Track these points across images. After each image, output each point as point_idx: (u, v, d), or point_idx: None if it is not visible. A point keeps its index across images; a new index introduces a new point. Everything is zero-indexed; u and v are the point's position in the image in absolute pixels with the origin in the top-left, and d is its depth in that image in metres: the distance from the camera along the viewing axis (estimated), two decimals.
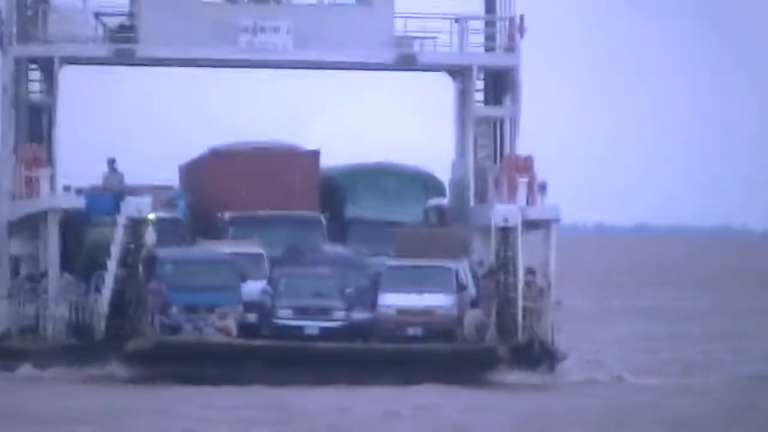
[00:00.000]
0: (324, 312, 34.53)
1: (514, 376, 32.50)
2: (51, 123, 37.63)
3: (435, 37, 36.93)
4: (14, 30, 37.00)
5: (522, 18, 36.20)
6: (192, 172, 40.45)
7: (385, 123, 50.40)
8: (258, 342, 34.08)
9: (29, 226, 37.12)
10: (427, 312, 34.10)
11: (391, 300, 33.96)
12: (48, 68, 37.32)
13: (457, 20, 36.83)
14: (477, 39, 37.08)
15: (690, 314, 68.35)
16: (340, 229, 37.80)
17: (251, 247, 36.31)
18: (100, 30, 37.34)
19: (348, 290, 35.00)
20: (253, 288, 34.50)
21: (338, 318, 34.27)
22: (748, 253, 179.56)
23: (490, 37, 37.15)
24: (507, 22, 36.83)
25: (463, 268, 34.86)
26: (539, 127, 43.61)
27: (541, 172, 35.14)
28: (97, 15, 37.30)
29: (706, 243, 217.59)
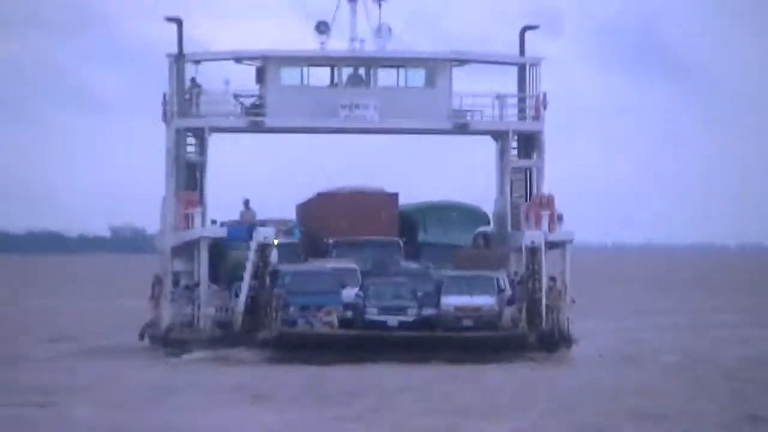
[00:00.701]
0: (401, 310, 42.43)
1: (540, 355, 41.05)
2: (202, 175, 46.80)
3: (482, 110, 45.65)
4: (175, 108, 45.52)
5: (545, 94, 45.10)
6: (304, 209, 50.01)
7: (444, 173, 57.87)
8: (353, 332, 42.30)
9: (186, 249, 45.89)
10: (476, 309, 42.05)
11: (450, 300, 42.12)
12: (200, 135, 46.21)
13: (497, 97, 45.75)
14: (512, 111, 45.92)
15: (666, 311, 76.31)
16: (413, 249, 47.10)
17: (348, 264, 44.77)
18: (238, 107, 46.33)
19: (419, 294, 43.09)
20: (349, 293, 42.96)
21: (412, 314, 42.18)
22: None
23: (522, 110, 46.06)
24: (534, 99, 45.47)
25: (502, 277, 43.60)
26: (563, 172, 50.90)
27: (560, 206, 43.46)
28: (235, 96, 46.22)
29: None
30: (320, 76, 46.73)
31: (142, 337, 48.08)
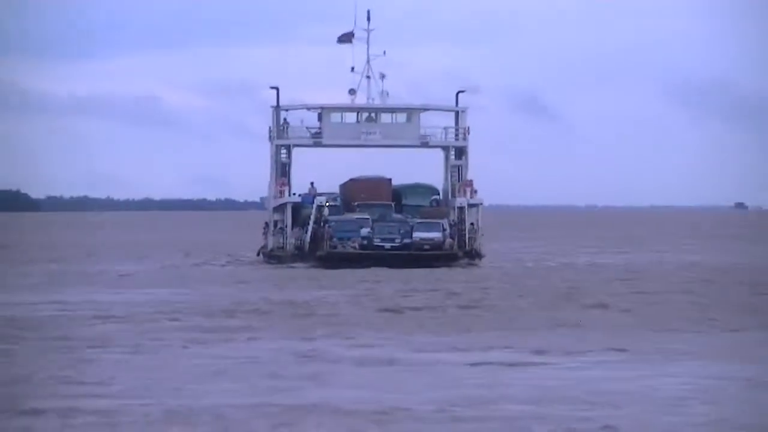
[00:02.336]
0: (392, 239, 62.26)
1: (464, 262, 62.76)
2: (289, 170, 68.08)
3: (435, 135, 68.18)
4: (275, 134, 67.04)
5: (468, 127, 67.81)
6: (343, 187, 70.36)
7: (415, 170, 77.37)
8: (366, 251, 61.90)
9: (280, 208, 66.63)
10: (431, 239, 62.24)
11: (418, 234, 62.33)
12: (288, 149, 68.03)
13: (444, 128, 68.42)
14: (451, 135, 68.15)
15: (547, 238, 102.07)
16: (399, 208, 67.07)
17: (364, 215, 64.19)
18: (308, 133, 68.11)
19: (401, 231, 62.43)
20: (365, 231, 62.53)
21: (398, 241, 62.06)
22: None
23: (456, 135, 68.07)
24: (463, 129, 67.73)
25: (445, 223, 63.95)
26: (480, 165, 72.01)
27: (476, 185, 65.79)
28: (306, 128, 68.11)
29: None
30: (350, 117, 68.62)
31: (258, 254, 69.92)
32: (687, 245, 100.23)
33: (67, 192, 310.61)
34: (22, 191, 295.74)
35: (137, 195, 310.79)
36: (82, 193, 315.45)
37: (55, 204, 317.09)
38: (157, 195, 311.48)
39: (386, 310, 40.62)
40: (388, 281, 52.43)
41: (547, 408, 21.00)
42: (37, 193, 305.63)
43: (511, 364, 27.11)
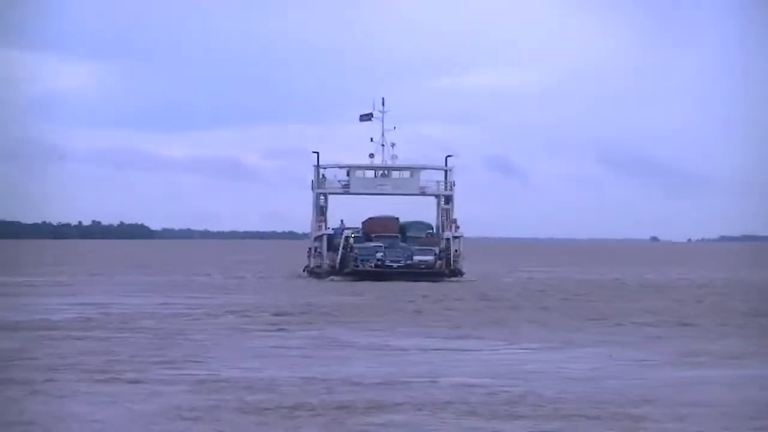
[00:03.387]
0: (398, 261, 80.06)
1: (449, 279, 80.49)
2: (325, 211, 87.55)
3: (430, 186, 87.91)
4: (316, 185, 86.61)
5: (454, 181, 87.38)
6: (364, 223, 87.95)
7: (415, 211, 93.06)
8: (379, 270, 79.45)
9: (319, 238, 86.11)
10: (426, 261, 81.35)
11: (417, 258, 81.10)
12: (325, 196, 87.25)
13: (437, 182, 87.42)
14: (442, 186, 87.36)
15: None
16: (404, 239, 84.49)
17: (378, 243, 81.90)
18: (340, 184, 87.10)
19: (405, 255, 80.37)
20: (379, 255, 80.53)
21: (402, 263, 79.99)
22: None
23: (445, 186, 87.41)
24: (450, 183, 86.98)
25: (436, 249, 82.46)
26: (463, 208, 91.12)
27: (459, 222, 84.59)
28: (338, 180, 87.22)
29: None
30: (370, 173, 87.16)
31: (303, 270, 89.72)
32: (605, 266, 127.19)
33: (176, 225, 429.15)
34: (145, 224, 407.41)
35: (226, 228, 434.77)
36: (186, 227, 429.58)
37: (167, 234, 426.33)
38: (241, 228, 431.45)
39: (397, 310, 52.49)
40: (394, 291, 67.76)
41: (483, 380, 26.68)
42: (155, 225, 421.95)
43: (465, 350, 34.60)
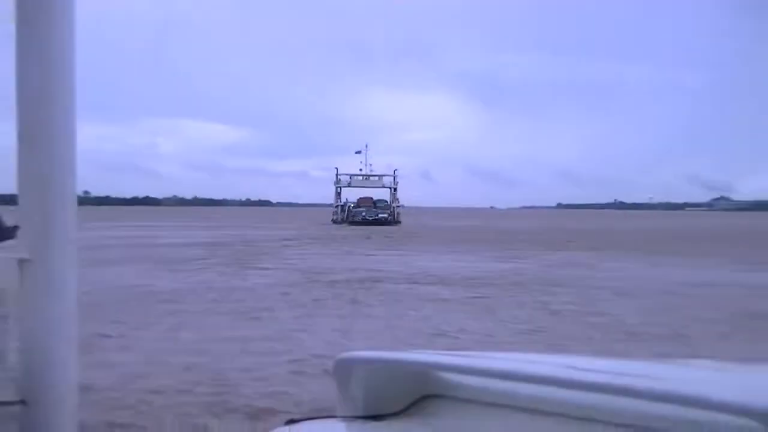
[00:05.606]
0: (372, 216, 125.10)
1: (394, 225, 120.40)
2: (340, 193, 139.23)
3: (388, 182, 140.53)
4: (336, 182, 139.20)
5: (398, 182, 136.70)
6: (357, 200, 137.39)
7: (380, 194, 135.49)
8: (363, 221, 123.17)
9: (337, 207, 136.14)
10: (385, 216, 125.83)
11: (380, 215, 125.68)
12: (340, 187, 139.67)
13: (391, 181, 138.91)
14: (394, 184, 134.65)
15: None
16: (375, 207, 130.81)
17: (363, 208, 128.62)
18: (346, 182, 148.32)
19: (375, 214, 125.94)
20: (363, 213, 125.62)
21: (373, 218, 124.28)
22: None
23: (393, 182, 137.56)
24: (397, 181, 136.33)
25: (389, 211, 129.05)
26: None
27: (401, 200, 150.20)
28: (346, 180, 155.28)
29: None
30: (359, 177, 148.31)
31: (331, 221, 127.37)
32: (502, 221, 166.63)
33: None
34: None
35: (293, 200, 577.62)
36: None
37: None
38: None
39: (366, 238, 69.11)
40: (368, 230, 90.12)
41: (409, 269, 35.14)
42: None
43: (399, 255, 45.50)
